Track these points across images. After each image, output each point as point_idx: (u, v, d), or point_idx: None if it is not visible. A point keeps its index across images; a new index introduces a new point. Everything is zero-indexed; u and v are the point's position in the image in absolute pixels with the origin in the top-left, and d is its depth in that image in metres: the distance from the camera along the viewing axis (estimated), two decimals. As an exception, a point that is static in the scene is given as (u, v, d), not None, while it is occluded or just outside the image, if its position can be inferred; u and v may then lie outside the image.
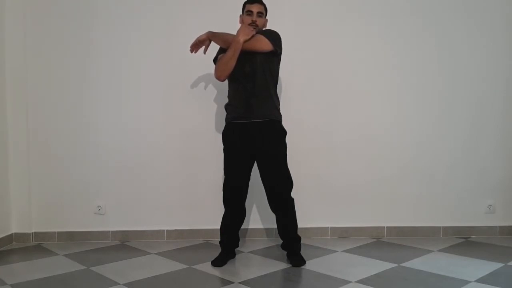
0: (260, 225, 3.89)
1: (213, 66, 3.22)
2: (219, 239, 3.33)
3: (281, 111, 3.24)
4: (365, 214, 3.88)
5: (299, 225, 3.29)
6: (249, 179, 3.23)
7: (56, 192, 3.84)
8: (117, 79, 3.82)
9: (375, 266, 3.13)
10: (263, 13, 3.21)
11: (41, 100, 3.81)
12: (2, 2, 3.71)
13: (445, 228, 3.88)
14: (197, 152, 3.84)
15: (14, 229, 3.83)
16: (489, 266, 3.09)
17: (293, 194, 3.22)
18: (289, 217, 3.23)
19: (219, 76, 3.14)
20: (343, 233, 3.89)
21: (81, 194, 3.84)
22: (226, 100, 3.28)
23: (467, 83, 3.87)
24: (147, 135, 3.83)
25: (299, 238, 3.29)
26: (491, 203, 3.88)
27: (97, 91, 3.82)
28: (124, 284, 2.85)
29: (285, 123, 3.24)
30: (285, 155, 3.19)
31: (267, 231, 3.88)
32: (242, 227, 3.39)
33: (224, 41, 3.13)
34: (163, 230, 3.87)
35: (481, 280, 2.83)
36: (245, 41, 3.04)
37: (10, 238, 3.80)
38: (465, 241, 3.76)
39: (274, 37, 3.13)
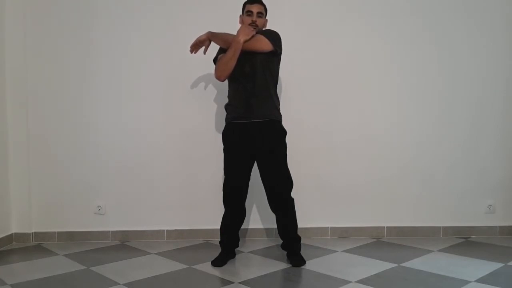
0: (260, 225, 3.89)
1: (213, 66, 3.22)
2: (219, 239, 3.33)
3: (281, 111, 3.24)
4: (365, 214, 3.88)
5: (299, 225, 3.29)
6: (249, 179, 3.23)
7: (56, 192, 3.84)
8: (117, 79, 3.82)
9: (375, 266, 3.13)
10: (263, 14, 3.21)
11: (41, 100, 3.81)
12: (2, 2, 3.71)
13: (445, 228, 3.88)
14: (197, 152, 3.84)
15: (14, 229, 3.83)
16: (489, 266, 3.09)
17: (293, 194, 3.22)
18: (289, 217, 3.23)
19: (219, 76, 3.14)
20: (343, 233, 3.89)
21: (81, 194, 3.84)
22: (226, 100, 3.28)
23: (467, 83, 3.87)
24: (147, 135, 3.83)
25: (299, 238, 3.29)
26: (491, 203, 3.88)
27: (97, 91, 3.82)
28: (124, 284, 2.85)
29: (285, 123, 3.24)
30: (285, 155, 3.19)
31: (267, 231, 3.88)
32: (242, 227, 3.39)
33: (224, 41, 3.13)
34: (163, 230, 3.87)
35: (481, 280, 2.83)
36: (245, 41, 3.04)
37: (10, 238, 3.80)
38: (465, 241, 3.76)
39: (274, 37, 3.13)
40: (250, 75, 3.12)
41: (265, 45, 3.09)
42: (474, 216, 3.88)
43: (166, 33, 3.80)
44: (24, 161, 3.80)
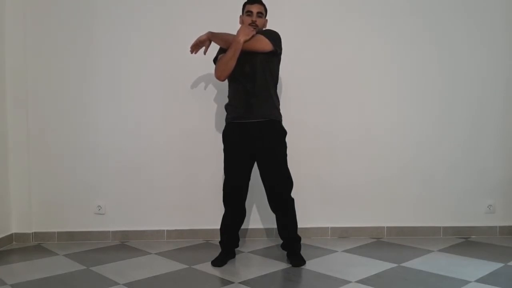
0: (260, 225, 3.89)
1: (213, 66, 3.23)
2: (219, 239, 3.33)
3: (281, 111, 3.24)
4: (365, 214, 3.88)
5: (299, 225, 3.29)
6: (249, 179, 3.23)
7: (56, 192, 3.84)
8: (117, 79, 3.82)
9: (375, 266, 3.13)
10: (263, 14, 3.21)
11: (41, 100, 3.81)
12: (2, 2, 3.71)
13: (445, 228, 3.88)
14: (197, 152, 3.84)
15: (14, 229, 3.83)
16: (489, 266, 3.09)
17: (293, 194, 3.22)
18: (289, 217, 3.23)
19: (219, 76, 3.14)
20: (343, 233, 3.89)
21: (81, 194, 3.84)
22: (226, 100, 3.29)
23: (467, 83, 3.87)
24: (147, 135, 3.83)
25: (299, 238, 3.29)
26: (491, 203, 3.88)
27: (97, 91, 3.82)
28: (124, 284, 2.85)
29: (285, 123, 3.24)
30: (285, 155, 3.19)
31: (267, 231, 3.88)
32: (242, 227, 3.39)
33: (225, 41, 3.13)
34: (163, 230, 3.87)
35: (481, 280, 2.83)
36: (245, 41, 3.05)
37: (10, 238, 3.80)
38: (465, 241, 3.76)
39: (274, 37, 3.13)
40: (250, 75, 3.12)
41: (265, 45, 3.09)
42: (474, 216, 3.88)
43: (166, 33, 3.80)
44: (24, 161, 3.80)
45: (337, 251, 3.51)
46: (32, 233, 3.84)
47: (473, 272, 2.97)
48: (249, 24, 3.15)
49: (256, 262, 3.34)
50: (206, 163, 3.82)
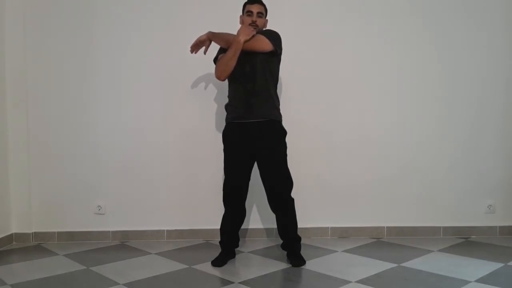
0: (260, 225, 3.89)
1: (213, 66, 3.23)
2: (219, 239, 3.33)
3: (281, 111, 3.24)
4: (365, 214, 3.88)
5: (299, 225, 3.29)
6: (249, 179, 3.23)
7: (56, 192, 3.84)
8: (117, 79, 3.82)
9: (375, 266, 3.13)
10: (263, 14, 3.21)
11: (41, 100, 3.81)
12: (2, 2, 3.71)
13: (445, 228, 3.88)
14: (197, 152, 3.84)
15: (14, 229, 3.83)
16: (489, 266, 3.09)
17: (293, 194, 3.22)
18: (289, 217, 3.23)
19: (219, 76, 3.15)
20: (343, 233, 3.89)
21: (81, 194, 3.84)
22: (226, 100, 3.29)
23: (467, 83, 3.87)
24: (147, 135, 3.83)
25: (299, 238, 3.29)
26: (491, 203, 3.88)
27: (97, 91, 3.82)
28: (124, 284, 2.85)
29: (285, 123, 3.24)
30: (285, 155, 3.19)
31: (267, 231, 3.88)
32: (242, 227, 3.39)
33: (225, 41, 3.13)
34: (163, 230, 3.87)
35: (481, 280, 2.83)
36: (246, 41, 3.05)
37: (10, 238, 3.80)
38: (465, 241, 3.76)
39: (274, 37, 3.13)
40: (250, 75, 3.12)
41: (265, 45, 3.09)
42: (474, 216, 3.88)
43: (166, 33, 3.80)
44: (24, 161, 3.80)
45: (337, 251, 3.51)
46: (32, 233, 3.84)
47: (473, 272, 2.97)
48: (249, 24, 3.15)
49: (256, 262, 3.34)
50: (206, 163, 3.82)
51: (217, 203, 3.32)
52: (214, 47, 3.25)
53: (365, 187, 3.87)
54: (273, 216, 3.29)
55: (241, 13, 3.26)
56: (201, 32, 3.22)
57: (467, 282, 2.81)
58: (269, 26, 3.27)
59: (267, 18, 3.26)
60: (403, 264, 3.17)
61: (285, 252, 3.32)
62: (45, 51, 3.80)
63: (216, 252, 3.30)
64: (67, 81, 3.81)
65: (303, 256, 3.23)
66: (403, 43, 3.84)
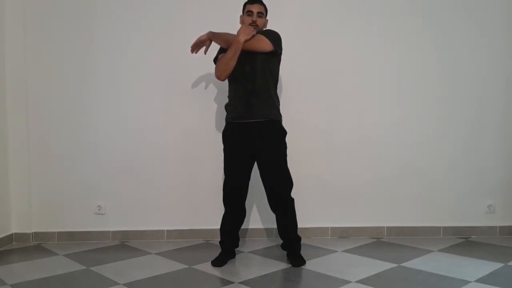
0: (260, 225, 3.89)
1: (213, 66, 3.23)
2: (219, 239, 3.33)
3: (281, 111, 3.24)
4: (365, 214, 3.88)
5: (299, 225, 3.29)
6: (249, 179, 3.23)
7: (56, 192, 3.84)
8: (117, 79, 3.82)
9: (375, 266, 3.13)
10: (263, 13, 3.21)
11: (41, 100, 3.81)
12: (2, 2, 3.71)
13: (445, 228, 3.88)
14: (197, 152, 3.84)
15: (14, 229, 3.83)
16: (489, 266, 3.09)
17: (293, 194, 3.22)
18: (289, 217, 3.23)
19: (219, 76, 3.15)
20: (343, 233, 3.89)
21: (81, 194, 3.84)
22: (226, 100, 3.29)
23: (467, 83, 3.87)
24: (147, 135, 3.83)
25: (299, 238, 3.29)
26: (491, 203, 3.88)
27: (97, 91, 3.82)
28: (124, 284, 2.85)
29: (285, 123, 3.24)
30: (285, 155, 3.19)
31: (267, 231, 3.88)
32: (242, 227, 3.40)
33: (225, 41, 3.13)
34: (163, 230, 3.87)
35: (481, 280, 2.83)
36: (246, 41, 3.05)
37: (10, 238, 3.80)
38: (465, 241, 3.76)
39: (275, 37, 3.13)
40: (250, 75, 3.12)
41: (265, 45, 3.09)
42: (474, 216, 3.88)
43: (166, 33, 3.79)
44: (24, 161, 3.80)
45: (337, 251, 3.51)
46: (32, 233, 3.84)
47: (473, 272, 2.97)
48: (250, 24, 3.15)
49: (256, 262, 3.34)
50: (206, 163, 3.82)
51: (217, 203, 3.32)
52: (214, 47, 3.25)
53: (365, 187, 3.87)
54: (273, 216, 3.29)
55: (241, 13, 3.26)
56: (201, 32, 3.22)
57: (467, 282, 2.81)
58: (269, 26, 3.27)
59: (267, 18, 3.26)
60: (403, 264, 3.17)
61: (285, 252, 3.33)
62: (45, 51, 3.80)
63: (216, 252, 3.30)
64: (67, 81, 3.81)
65: (303, 256, 3.23)
66: (403, 43, 3.84)
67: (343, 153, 3.87)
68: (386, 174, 3.87)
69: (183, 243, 3.76)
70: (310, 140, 3.84)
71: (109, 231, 3.86)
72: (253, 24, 3.15)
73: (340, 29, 3.84)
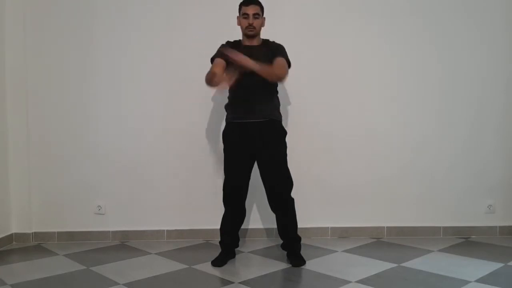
0: (260, 225, 3.89)
1: (213, 66, 3.22)
2: (219, 239, 3.33)
3: (281, 111, 3.24)
4: (365, 214, 3.88)
5: (299, 225, 3.29)
6: (249, 179, 3.23)
7: (56, 192, 3.84)
8: (117, 79, 3.82)
9: (375, 266, 3.13)
10: (259, 14, 3.14)
11: (41, 100, 3.81)
12: (2, 2, 3.71)
13: (445, 228, 3.88)
14: (197, 152, 3.84)
15: (14, 229, 3.83)
16: (489, 266, 3.09)
17: (293, 194, 3.23)
18: (289, 217, 3.23)
19: (206, 83, 3.08)
20: (343, 233, 3.89)
21: (81, 194, 3.84)
22: (226, 100, 3.29)
23: (467, 83, 3.87)
24: (147, 135, 3.83)
25: (299, 238, 3.29)
26: (491, 203, 3.88)
27: (97, 91, 3.82)
28: (124, 284, 2.85)
29: (285, 123, 3.25)
30: (285, 155, 3.19)
31: (267, 231, 3.88)
32: (242, 227, 3.40)
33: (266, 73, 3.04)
34: (163, 230, 3.87)
35: (481, 280, 2.83)
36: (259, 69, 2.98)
37: (10, 238, 3.80)
38: (465, 241, 3.76)
39: (286, 56, 3.13)
40: (251, 75, 3.10)
41: (285, 72, 3.08)
42: (474, 216, 3.88)
43: (166, 33, 3.79)
44: (24, 161, 3.80)
45: (337, 251, 3.51)
46: (32, 233, 3.84)
47: (473, 272, 2.97)
48: (246, 27, 3.12)
49: (256, 262, 3.34)
50: (206, 163, 3.82)
51: (217, 203, 3.32)
52: (214, 47, 3.24)
53: (365, 187, 3.87)
54: (273, 216, 3.29)
55: (238, 14, 3.24)
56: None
57: (467, 282, 2.81)
58: (269, 26, 3.26)
59: (264, 16, 3.21)
60: (403, 264, 3.17)
61: (285, 252, 3.33)
62: (45, 51, 3.80)
63: (216, 252, 3.30)
64: (67, 81, 3.81)
65: (303, 256, 3.23)
66: (403, 43, 3.84)
67: (343, 153, 3.87)
68: (386, 174, 3.87)
69: (183, 243, 3.76)
70: (310, 140, 3.84)
71: (109, 231, 3.86)
72: (250, 27, 3.12)
73: (340, 29, 3.84)
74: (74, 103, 3.82)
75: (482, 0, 3.83)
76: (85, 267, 3.18)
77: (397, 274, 2.99)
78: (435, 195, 3.88)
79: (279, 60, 3.07)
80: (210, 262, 3.21)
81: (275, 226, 3.33)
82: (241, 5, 3.18)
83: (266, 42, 3.23)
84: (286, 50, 3.19)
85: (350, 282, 2.84)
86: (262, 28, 3.21)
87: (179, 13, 3.79)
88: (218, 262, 3.20)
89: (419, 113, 3.87)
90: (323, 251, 3.52)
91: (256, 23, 3.13)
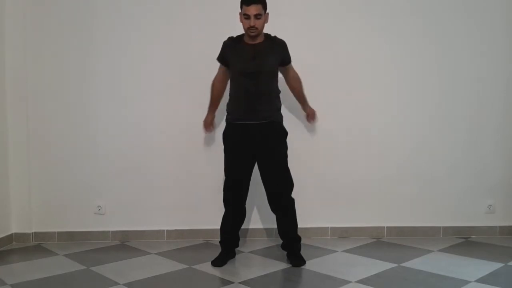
0: (260, 225, 3.89)
1: (213, 66, 3.22)
2: (219, 239, 3.33)
3: (281, 111, 3.24)
4: (365, 214, 3.88)
5: (299, 225, 3.29)
6: (249, 179, 3.23)
7: (56, 192, 3.84)
8: (117, 79, 3.82)
9: (375, 266, 3.13)
10: (261, 14, 3.07)
11: (41, 100, 3.81)
12: (2, 2, 3.71)
13: (445, 228, 3.88)
14: (197, 152, 3.84)
15: (14, 229, 3.83)
16: (489, 266, 3.09)
17: (293, 194, 3.23)
18: (289, 217, 3.23)
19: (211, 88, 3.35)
20: (343, 233, 3.89)
21: (81, 194, 3.84)
22: (227, 100, 3.28)
23: (467, 83, 3.87)
24: (147, 135, 3.83)
25: (299, 238, 3.29)
26: (491, 203, 3.88)
27: (97, 91, 3.82)
28: (124, 284, 2.85)
29: (285, 123, 3.24)
30: (286, 156, 3.19)
31: (267, 231, 3.88)
32: (242, 227, 3.40)
33: None
34: (163, 230, 3.87)
35: (481, 280, 2.84)
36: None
37: (10, 238, 3.80)
38: (465, 241, 3.76)
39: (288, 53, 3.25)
40: (253, 76, 3.10)
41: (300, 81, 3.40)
42: (474, 216, 3.88)
43: (166, 33, 3.79)
44: (24, 161, 3.80)
45: (337, 251, 3.51)
46: (32, 233, 3.84)
47: (473, 272, 2.97)
48: (248, 28, 3.09)
49: (256, 262, 3.34)
50: (206, 163, 3.82)
51: (217, 203, 3.32)
52: (216, 47, 3.24)
53: (365, 187, 3.87)
54: (273, 216, 3.29)
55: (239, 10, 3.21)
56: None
57: (467, 282, 2.81)
58: (269, 26, 3.25)
59: (267, 12, 3.14)
60: (403, 264, 3.17)
61: (285, 252, 3.33)
62: (45, 51, 3.80)
63: (216, 252, 3.30)
64: (67, 81, 3.81)
65: (303, 256, 3.23)
66: (403, 43, 3.84)
67: (343, 153, 3.87)
68: (386, 174, 3.86)
69: (183, 243, 3.76)
70: (310, 140, 3.83)
71: (109, 231, 3.86)
72: (252, 29, 3.07)
73: (340, 29, 3.83)
74: (74, 103, 3.82)
75: (482, 0, 3.83)
76: (85, 267, 3.18)
77: (397, 274, 2.99)
78: (435, 195, 3.88)
79: (297, 77, 3.39)
80: (210, 262, 3.21)
81: (275, 226, 3.33)
82: (242, 3, 3.09)
83: (268, 37, 3.20)
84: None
85: (350, 282, 2.84)
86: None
87: (179, 13, 3.79)
88: (218, 262, 3.20)
89: (419, 113, 3.87)
90: (323, 251, 3.52)
91: (258, 23, 3.06)
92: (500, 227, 3.88)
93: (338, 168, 3.87)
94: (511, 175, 3.89)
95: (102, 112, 3.82)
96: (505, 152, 3.88)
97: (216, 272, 3.09)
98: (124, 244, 3.78)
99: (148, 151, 3.84)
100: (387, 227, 3.89)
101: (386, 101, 3.87)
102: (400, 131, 3.87)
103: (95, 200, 3.85)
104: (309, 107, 3.52)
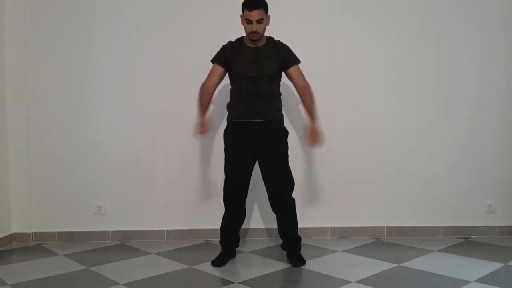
0: (260, 225, 3.89)
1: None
2: (219, 239, 3.33)
3: (282, 112, 3.24)
4: (365, 214, 3.88)
5: (299, 225, 3.29)
6: (249, 179, 3.23)
7: (56, 192, 3.84)
8: (117, 79, 3.82)
9: (375, 266, 3.13)
10: (263, 19, 3.06)
11: (41, 100, 3.81)
12: (2, 2, 3.71)
13: (445, 228, 3.88)
14: (197, 152, 3.84)
15: (14, 229, 3.83)
16: (489, 266, 3.09)
17: (293, 194, 3.22)
18: (289, 217, 3.23)
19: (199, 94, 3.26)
20: (343, 233, 3.89)
21: (81, 194, 3.84)
22: (227, 100, 3.29)
23: (467, 83, 3.87)
24: (147, 135, 3.83)
25: (299, 238, 3.29)
26: (491, 203, 3.88)
27: (97, 91, 3.82)
28: (124, 284, 2.85)
29: (285, 123, 3.24)
30: (287, 155, 3.19)
31: (268, 231, 3.88)
32: (243, 227, 3.39)
33: None
34: (163, 230, 3.87)
35: (481, 280, 2.84)
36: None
37: (10, 238, 3.80)
38: (465, 241, 3.76)
39: (296, 57, 3.24)
40: (254, 76, 3.10)
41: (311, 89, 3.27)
42: (474, 216, 3.88)
43: (166, 33, 3.79)
44: (24, 161, 3.80)
45: (337, 251, 3.51)
46: (32, 233, 3.84)
47: (473, 272, 2.97)
48: (250, 33, 3.06)
49: (256, 262, 3.34)
50: (206, 163, 3.82)
51: (217, 203, 3.33)
52: (214, 48, 3.24)
53: (365, 187, 3.87)
54: (273, 216, 3.29)
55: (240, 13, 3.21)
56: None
57: (467, 282, 2.82)
58: (269, 26, 3.24)
59: (269, 14, 3.13)
60: (403, 264, 3.17)
61: (285, 252, 3.33)
62: (45, 51, 3.80)
63: (216, 252, 3.30)
64: (67, 81, 3.81)
65: (303, 256, 3.23)
66: (403, 43, 3.84)
67: (343, 153, 3.87)
68: (386, 174, 3.86)
69: (183, 243, 3.76)
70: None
71: (109, 231, 3.86)
72: (254, 34, 3.06)
73: (340, 29, 3.83)
74: (74, 103, 3.82)
75: (482, 0, 3.83)
76: (85, 267, 3.19)
77: (397, 274, 2.99)
78: (435, 195, 3.88)
79: (304, 85, 3.25)
80: (210, 262, 3.21)
81: (275, 226, 3.33)
82: (244, 8, 3.07)
83: (271, 40, 3.20)
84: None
85: (350, 282, 2.85)
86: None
87: (179, 13, 3.79)
88: (218, 262, 3.20)
89: (419, 113, 3.87)
90: (323, 251, 3.52)
91: (260, 28, 3.05)
92: (500, 227, 3.88)
93: (338, 168, 3.87)
94: (511, 175, 3.89)
95: (102, 112, 3.82)
96: (505, 152, 3.88)
97: (216, 272, 3.09)
98: (124, 244, 3.78)
99: (148, 151, 3.84)
100: (387, 227, 3.89)
101: (386, 101, 3.87)
102: (400, 131, 3.88)
103: (95, 200, 3.85)
104: (314, 124, 3.23)
